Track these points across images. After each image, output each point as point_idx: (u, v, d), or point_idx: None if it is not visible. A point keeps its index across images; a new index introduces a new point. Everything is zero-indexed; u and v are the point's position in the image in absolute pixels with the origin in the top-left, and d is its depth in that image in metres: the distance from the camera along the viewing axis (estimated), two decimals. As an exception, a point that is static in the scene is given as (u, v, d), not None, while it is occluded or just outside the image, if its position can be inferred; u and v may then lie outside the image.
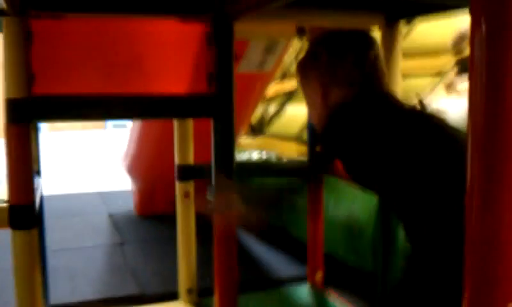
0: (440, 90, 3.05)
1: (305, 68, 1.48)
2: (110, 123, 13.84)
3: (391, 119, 1.28)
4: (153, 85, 1.73)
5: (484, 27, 0.63)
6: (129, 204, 4.29)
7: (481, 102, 0.63)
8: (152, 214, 4.00)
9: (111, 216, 4.13)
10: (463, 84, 2.85)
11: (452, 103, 2.70)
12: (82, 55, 1.66)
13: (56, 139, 11.18)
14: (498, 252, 0.64)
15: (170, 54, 1.73)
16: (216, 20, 1.70)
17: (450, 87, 2.94)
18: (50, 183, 5.70)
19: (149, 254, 3.17)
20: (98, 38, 1.68)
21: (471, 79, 0.64)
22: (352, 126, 1.30)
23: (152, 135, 3.57)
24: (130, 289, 2.66)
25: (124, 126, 10.32)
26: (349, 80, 1.39)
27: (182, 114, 1.93)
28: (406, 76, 2.31)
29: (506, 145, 0.62)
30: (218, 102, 1.73)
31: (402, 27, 1.98)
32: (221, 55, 1.72)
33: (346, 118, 1.33)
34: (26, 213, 1.59)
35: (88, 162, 7.83)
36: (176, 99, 1.75)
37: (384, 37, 1.93)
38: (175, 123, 2.33)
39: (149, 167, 3.83)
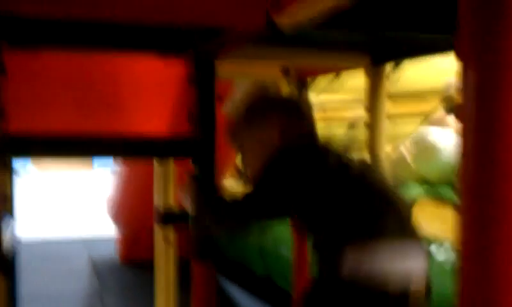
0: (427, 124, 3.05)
1: (251, 122, 1.59)
2: (98, 164, 13.74)
3: (318, 170, 1.47)
4: (131, 124, 1.67)
5: (472, 71, 0.62)
6: (112, 251, 4.18)
7: (473, 144, 0.62)
8: (134, 261, 3.89)
9: (92, 262, 4.01)
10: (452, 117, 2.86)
11: (444, 134, 2.68)
12: (58, 92, 1.61)
13: (43, 179, 11.06)
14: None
15: (150, 92, 1.68)
16: (196, 58, 1.66)
17: (439, 121, 2.95)
18: (33, 226, 5.59)
19: (128, 304, 3.05)
20: (75, 75, 1.63)
21: (463, 117, 0.63)
22: (290, 169, 1.47)
23: (136, 182, 3.50)
24: (106, 339, 2.55)
25: (111, 167, 10.23)
26: (293, 134, 1.55)
27: (162, 155, 1.86)
28: (393, 120, 2.29)
29: (498, 191, 0.61)
30: (199, 143, 1.67)
31: (390, 71, 1.96)
32: (202, 94, 1.66)
33: (288, 163, 1.48)
34: (-9, 258, 1.50)
35: (73, 205, 7.71)
36: (156, 139, 1.69)
37: (369, 79, 1.90)
38: (155, 164, 2.26)
39: (133, 214, 3.74)
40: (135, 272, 3.72)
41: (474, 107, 0.61)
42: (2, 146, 1.52)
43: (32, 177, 11.09)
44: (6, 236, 1.80)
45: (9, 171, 2.06)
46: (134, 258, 3.92)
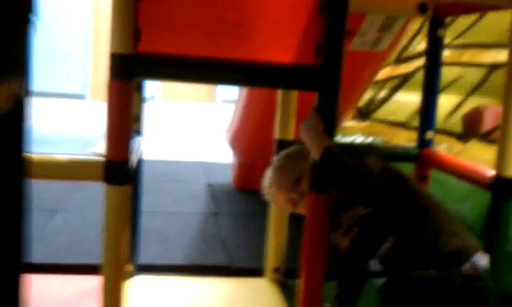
0: None
1: None
2: (220, 98, 14.06)
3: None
4: (259, 51, 1.65)
5: None
6: (229, 177, 4.30)
7: None
8: (249, 188, 3.97)
9: (209, 186, 4.16)
10: None
11: None
12: (189, 15, 1.62)
13: (168, 108, 11.55)
14: None
15: (279, 19, 1.65)
16: (329, -13, 1.59)
17: None
18: (156, 148, 5.88)
19: (241, 228, 3.14)
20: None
21: None
22: None
23: (256, 110, 3.52)
24: (219, 259, 2.65)
25: (233, 101, 10.40)
26: None
27: (286, 85, 1.85)
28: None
29: None
30: (324, 75, 1.62)
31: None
32: (332, 25, 1.60)
33: None
34: (120, 169, 1.58)
35: (194, 133, 8.01)
36: (282, 68, 1.66)
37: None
38: (279, 95, 2.25)
39: (250, 141, 3.79)
40: (249, 198, 3.82)
41: None
42: (134, 66, 1.56)
43: (159, 105, 11.61)
44: (135, 152, 1.89)
45: (139, 94, 2.15)
46: (249, 186, 4.00)
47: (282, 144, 2.24)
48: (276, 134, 2.26)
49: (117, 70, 1.55)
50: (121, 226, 1.62)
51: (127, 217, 1.67)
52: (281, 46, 1.65)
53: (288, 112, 2.25)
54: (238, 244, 2.86)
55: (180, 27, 1.62)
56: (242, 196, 3.91)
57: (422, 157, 2.25)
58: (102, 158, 1.58)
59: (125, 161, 1.59)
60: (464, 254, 1.53)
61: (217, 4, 1.63)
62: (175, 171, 4.69)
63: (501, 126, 1.79)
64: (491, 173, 1.81)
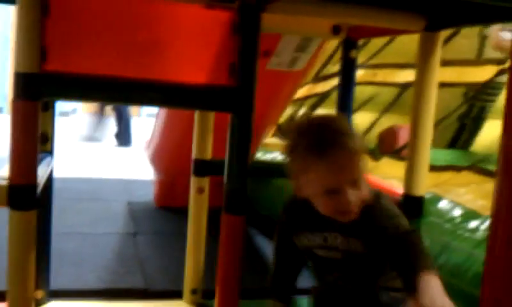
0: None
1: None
2: (144, 111, 13.85)
3: None
4: (172, 71, 1.62)
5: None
6: (150, 195, 4.22)
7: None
8: (170, 207, 3.92)
9: (129, 204, 4.06)
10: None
11: None
12: (99, 34, 1.57)
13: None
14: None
15: (192, 40, 1.63)
16: (242, 8, 1.59)
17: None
18: (76, 164, 5.71)
19: (160, 248, 3.09)
20: (118, 17, 1.59)
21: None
22: None
23: (176, 128, 3.48)
24: (136, 282, 2.58)
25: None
26: None
27: (200, 106, 1.82)
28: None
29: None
30: (238, 96, 1.62)
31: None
32: (245, 46, 1.60)
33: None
34: (25, 194, 1.50)
35: (115, 148, 7.84)
36: (195, 89, 1.64)
37: (422, 43, 1.81)
38: (196, 115, 2.23)
39: (170, 159, 3.74)
40: (169, 217, 3.76)
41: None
42: (40, 86, 1.50)
43: (79, 118, 11.32)
44: (43, 174, 1.81)
45: (50, 112, 2.07)
46: (170, 204, 3.95)
47: (200, 163, 2.22)
48: (194, 153, 2.24)
49: (21, 89, 1.48)
50: (27, 253, 1.54)
51: (33, 243, 1.59)
52: (195, 66, 1.63)
53: (205, 131, 2.23)
54: (156, 265, 2.80)
55: (89, 45, 1.57)
56: (163, 214, 3.85)
57: (338, 175, 2.29)
58: (6, 182, 1.50)
59: (31, 185, 1.51)
60: None
61: (129, 22, 1.59)
62: (94, 188, 4.55)
63: (409, 146, 1.85)
64: (400, 191, 1.86)
